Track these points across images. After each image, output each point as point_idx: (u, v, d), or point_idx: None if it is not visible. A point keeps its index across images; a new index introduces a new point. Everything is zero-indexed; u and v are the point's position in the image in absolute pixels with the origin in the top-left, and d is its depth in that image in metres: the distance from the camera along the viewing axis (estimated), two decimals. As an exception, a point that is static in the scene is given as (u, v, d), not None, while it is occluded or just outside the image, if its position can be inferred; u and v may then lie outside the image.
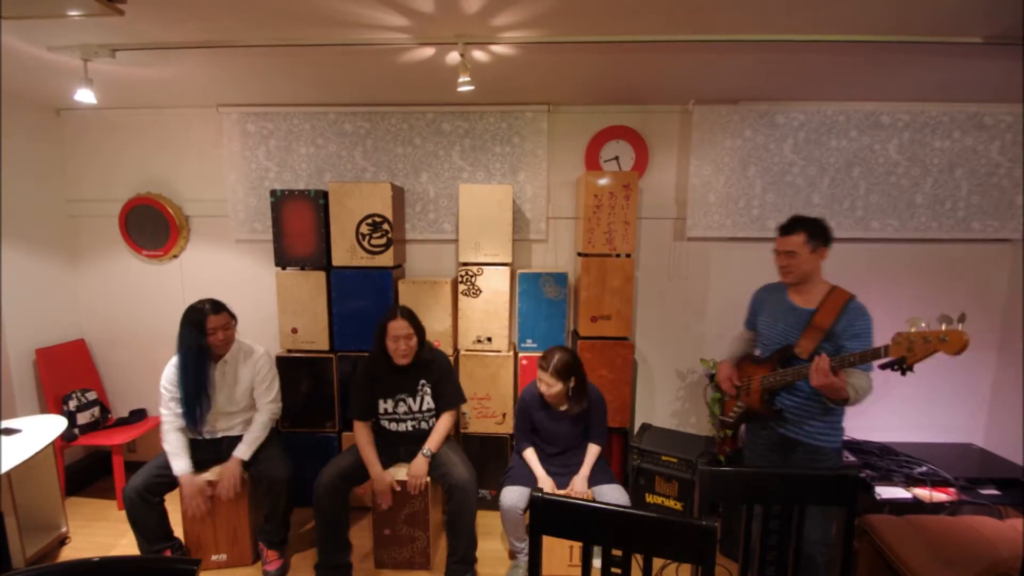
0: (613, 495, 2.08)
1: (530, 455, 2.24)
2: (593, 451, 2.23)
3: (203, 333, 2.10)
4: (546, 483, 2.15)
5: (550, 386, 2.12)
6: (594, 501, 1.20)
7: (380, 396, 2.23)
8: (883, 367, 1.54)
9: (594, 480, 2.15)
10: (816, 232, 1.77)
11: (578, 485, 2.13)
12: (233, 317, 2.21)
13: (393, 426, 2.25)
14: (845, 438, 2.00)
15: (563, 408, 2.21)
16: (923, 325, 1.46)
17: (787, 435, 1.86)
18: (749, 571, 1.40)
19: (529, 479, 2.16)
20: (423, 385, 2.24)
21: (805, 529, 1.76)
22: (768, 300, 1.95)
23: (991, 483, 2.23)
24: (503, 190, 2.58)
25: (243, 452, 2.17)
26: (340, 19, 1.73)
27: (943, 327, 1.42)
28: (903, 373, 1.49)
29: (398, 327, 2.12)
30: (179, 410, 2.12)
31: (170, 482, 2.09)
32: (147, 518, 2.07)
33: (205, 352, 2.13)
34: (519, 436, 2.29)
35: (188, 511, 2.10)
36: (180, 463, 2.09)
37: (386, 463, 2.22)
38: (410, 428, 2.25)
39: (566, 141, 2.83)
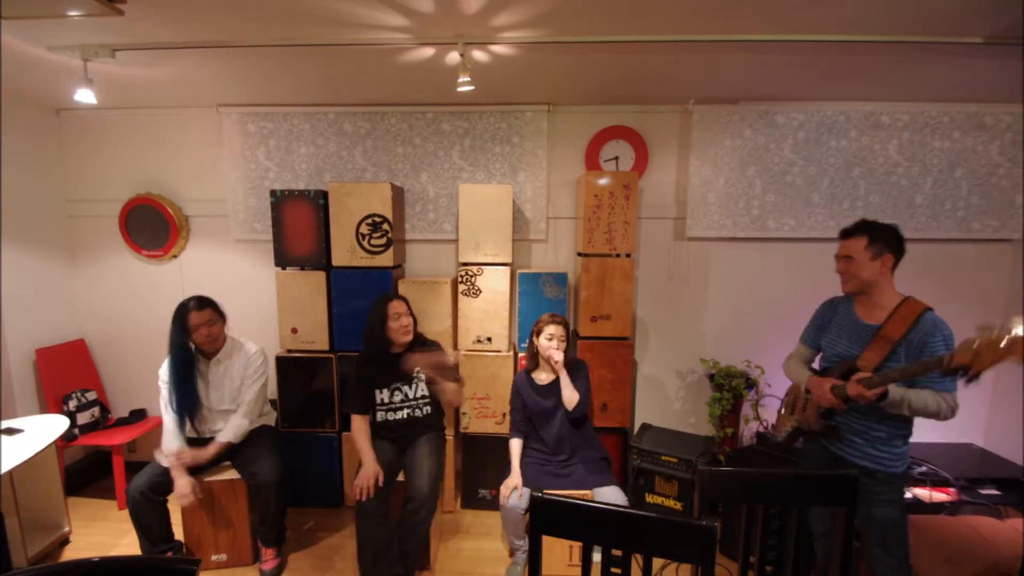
0: (611, 496, 2.08)
1: (515, 445, 2.26)
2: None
3: (186, 331, 2.11)
4: (516, 479, 2.14)
5: (562, 339, 2.23)
6: (594, 501, 1.20)
7: (377, 387, 2.24)
8: (946, 373, 1.38)
9: (593, 481, 2.16)
10: (879, 236, 1.60)
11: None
12: (220, 314, 2.21)
13: (391, 415, 2.25)
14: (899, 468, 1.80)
15: (550, 381, 2.28)
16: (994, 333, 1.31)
17: (841, 456, 1.69)
18: (749, 571, 1.40)
19: (531, 478, 2.16)
20: (418, 371, 2.25)
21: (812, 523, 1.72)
22: (834, 315, 1.79)
23: (991, 483, 2.24)
24: (503, 190, 2.58)
25: (223, 435, 2.17)
26: (340, 19, 1.73)
27: (1015, 331, 1.27)
28: (967, 383, 1.35)
29: (397, 305, 2.19)
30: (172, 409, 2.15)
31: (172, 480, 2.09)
32: (150, 518, 2.07)
33: (188, 350, 2.14)
34: (512, 422, 2.32)
35: (182, 501, 2.05)
36: (173, 443, 2.09)
37: (400, 450, 2.23)
38: (406, 416, 2.26)
39: (566, 141, 2.83)
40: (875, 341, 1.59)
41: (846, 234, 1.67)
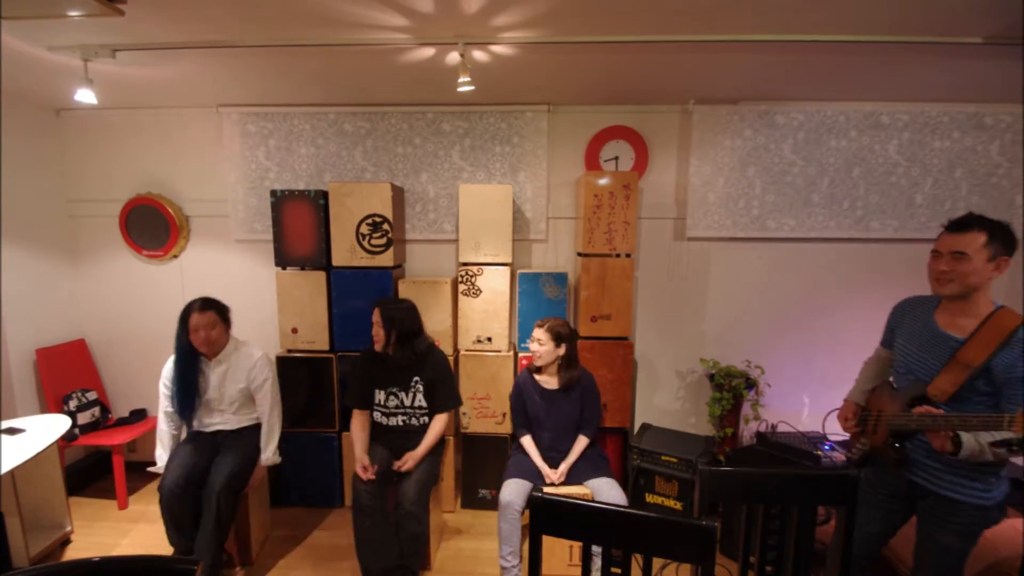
0: (605, 489, 2.07)
1: (528, 442, 2.25)
2: (581, 443, 2.23)
3: (186, 331, 2.12)
4: (545, 469, 2.16)
5: (541, 343, 2.18)
6: (594, 501, 1.20)
7: (376, 387, 2.25)
8: (996, 445, 1.20)
9: (588, 474, 2.16)
10: (1000, 235, 1.38)
11: (554, 476, 2.15)
12: (224, 318, 2.19)
13: (384, 420, 2.25)
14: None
15: (553, 387, 2.24)
16: None
17: (916, 482, 1.48)
18: (749, 571, 1.40)
19: (529, 472, 2.16)
20: (416, 382, 2.23)
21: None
22: (908, 317, 1.55)
23: (991, 483, 2.22)
24: (503, 190, 2.58)
25: (267, 459, 2.24)
26: (340, 19, 1.73)
27: None
28: (1011, 452, 1.20)
29: (374, 316, 2.19)
30: (168, 406, 2.18)
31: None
32: (183, 511, 2.05)
33: (189, 349, 2.14)
34: (515, 423, 2.31)
35: None
36: (163, 454, 2.18)
37: (396, 457, 2.19)
38: (400, 423, 2.25)
39: (566, 141, 2.83)
40: (952, 364, 1.34)
41: (958, 227, 1.42)
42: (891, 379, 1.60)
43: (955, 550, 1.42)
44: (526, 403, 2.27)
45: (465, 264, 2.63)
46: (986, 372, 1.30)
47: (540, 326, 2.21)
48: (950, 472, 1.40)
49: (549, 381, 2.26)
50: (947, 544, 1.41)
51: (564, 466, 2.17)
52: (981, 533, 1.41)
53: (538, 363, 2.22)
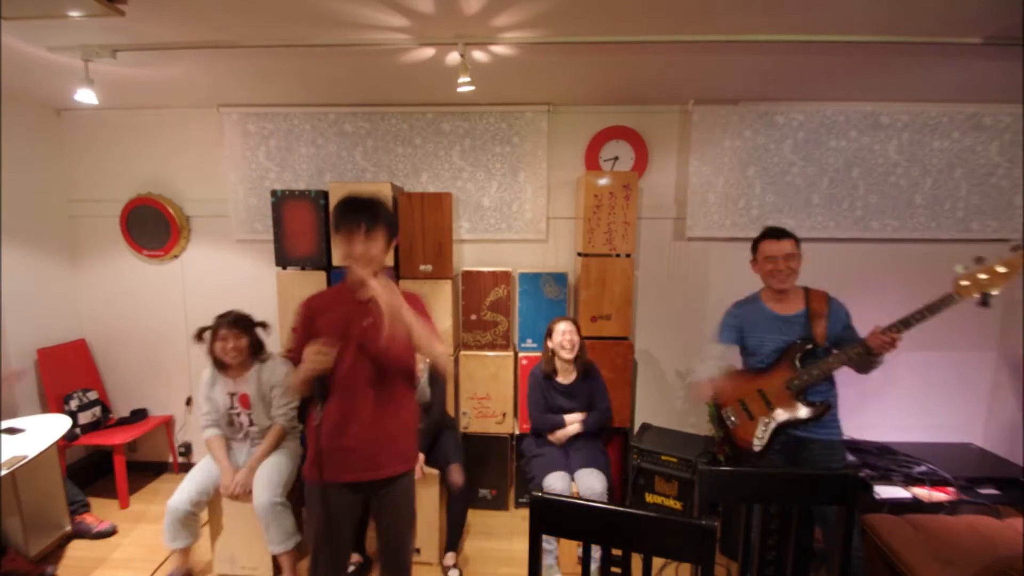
0: (588, 479, 2.11)
1: (572, 417, 2.29)
2: (592, 414, 2.32)
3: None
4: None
5: (574, 333, 2.28)
6: (594, 501, 1.20)
7: None
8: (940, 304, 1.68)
9: (580, 462, 2.20)
10: (798, 240, 1.91)
11: (570, 428, 2.26)
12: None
13: None
14: (845, 437, 1.99)
15: (571, 380, 2.32)
16: (962, 269, 1.65)
17: (800, 436, 1.87)
18: (749, 571, 1.41)
19: (563, 465, 2.20)
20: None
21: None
22: (751, 314, 1.99)
23: (990, 483, 2.24)
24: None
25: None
26: (340, 19, 1.73)
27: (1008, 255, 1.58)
28: (986, 306, 1.62)
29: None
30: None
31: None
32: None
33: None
34: (537, 416, 2.32)
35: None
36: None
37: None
38: None
39: (566, 141, 2.83)
40: (815, 321, 1.85)
41: (780, 236, 1.89)
42: (739, 367, 2.03)
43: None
44: (548, 402, 2.32)
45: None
46: (829, 318, 1.85)
47: (563, 320, 2.31)
48: (819, 423, 1.84)
49: (566, 376, 2.33)
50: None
51: (572, 426, 2.28)
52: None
53: (570, 354, 2.26)
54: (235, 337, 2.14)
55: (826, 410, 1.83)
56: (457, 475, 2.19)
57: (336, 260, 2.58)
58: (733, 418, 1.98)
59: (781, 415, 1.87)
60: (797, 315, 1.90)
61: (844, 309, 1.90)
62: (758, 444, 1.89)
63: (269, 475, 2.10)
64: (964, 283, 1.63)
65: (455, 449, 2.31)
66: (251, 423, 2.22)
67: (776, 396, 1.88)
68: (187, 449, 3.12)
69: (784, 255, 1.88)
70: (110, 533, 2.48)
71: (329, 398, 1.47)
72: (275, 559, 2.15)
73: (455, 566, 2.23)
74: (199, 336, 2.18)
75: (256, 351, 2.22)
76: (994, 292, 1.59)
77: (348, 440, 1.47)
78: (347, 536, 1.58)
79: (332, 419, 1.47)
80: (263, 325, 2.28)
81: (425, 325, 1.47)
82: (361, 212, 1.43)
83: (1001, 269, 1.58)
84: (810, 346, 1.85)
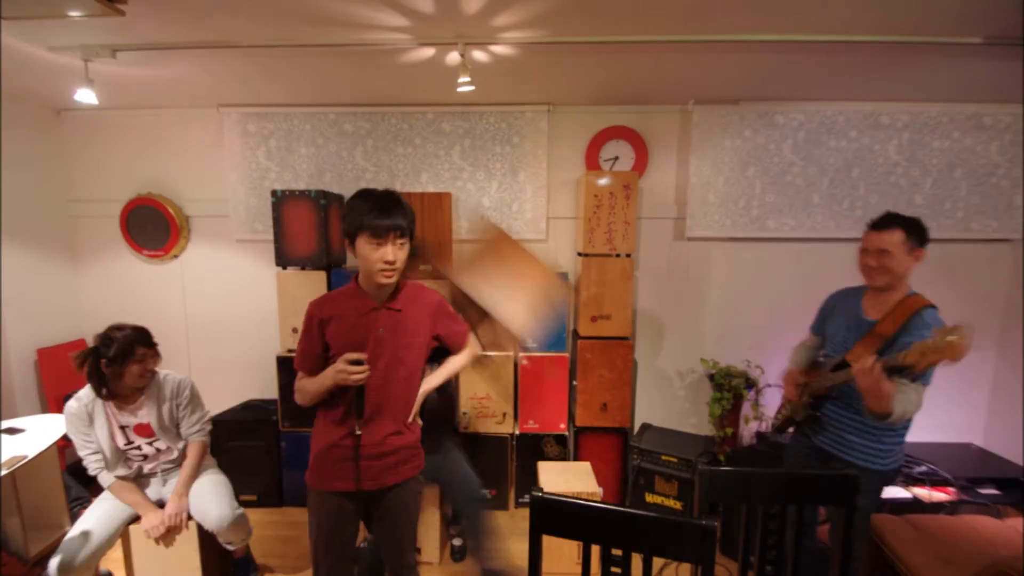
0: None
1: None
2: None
3: None
4: None
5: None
6: (593, 501, 1.20)
7: None
8: (895, 370, 1.42)
9: None
10: (915, 231, 1.56)
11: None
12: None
13: None
14: (880, 468, 1.75)
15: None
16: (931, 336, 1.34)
17: (822, 447, 1.73)
18: (749, 571, 1.41)
19: None
20: None
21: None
22: (839, 306, 1.79)
23: (991, 483, 2.24)
24: None
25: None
26: (340, 19, 1.73)
27: (947, 337, 1.30)
28: (912, 380, 1.45)
29: None
30: None
31: None
32: None
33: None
34: None
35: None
36: None
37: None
38: None
39: (566, 141, 2.83)
40: (869, 336, 1.59)
41: (879, 226, 1.60)
42: (820, 360, 1.83)
43: (862, 507, 1.55)
44: None
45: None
46: (895, 343, 1.51)
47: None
48: (854, 435, 1.63)
49: None
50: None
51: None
52: (878, 499, 1.72)
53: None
54: (152, 357, 1.78)
55: (814, 422, 1.73)
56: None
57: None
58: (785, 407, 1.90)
59: (796, 412, 1.81)
60: (869, 321, 1.64)
61: (929, 329, 1.44)
62: (775, 422, 1.91)
63: (213, 490, 1.87)
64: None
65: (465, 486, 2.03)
66: (158, 451, 1.90)
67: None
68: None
69: (876, 249, 1.59)
70: None
71: (342, 407, 1.41)
72: (216, 553, 1.95)
73: (459, 535, 2.36)
74: (83, 361, 1.69)
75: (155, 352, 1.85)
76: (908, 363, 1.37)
77: (368, 448, 1.42)
78: (353, 542, 1.54)
79: (345, 427, 1.41)
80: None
81: (453, 365, 1.57)
82: (396, 213, 1.32)
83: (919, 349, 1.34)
84: (843, 364, 1.62)
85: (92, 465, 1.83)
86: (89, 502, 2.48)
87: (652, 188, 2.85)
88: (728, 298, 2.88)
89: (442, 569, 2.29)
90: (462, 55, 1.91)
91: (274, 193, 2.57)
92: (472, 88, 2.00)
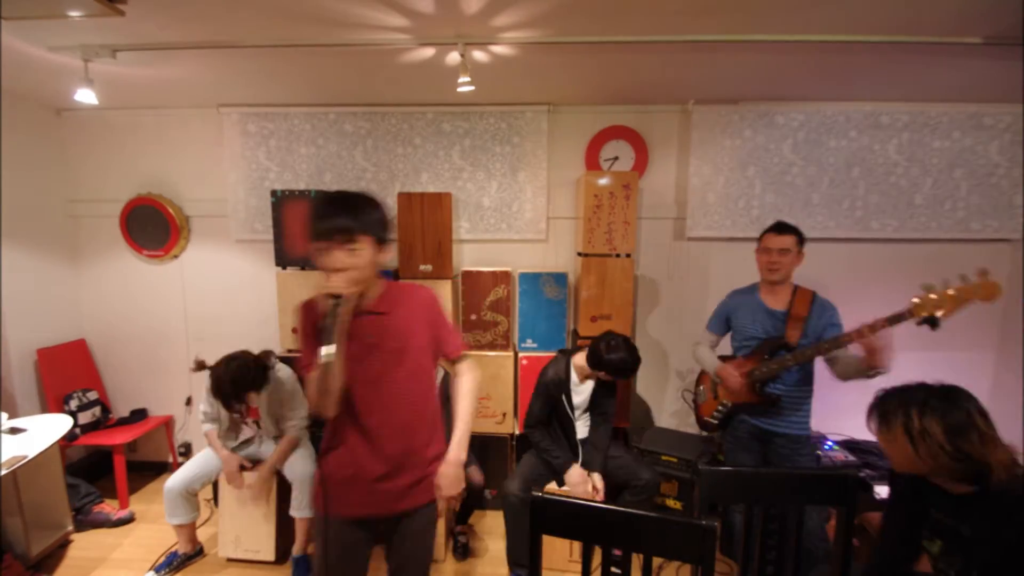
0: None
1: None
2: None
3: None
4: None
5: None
6: (593, 501, 1.20)
7: None
8: (920, 324, 1.61)
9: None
10: (801, 237, 1.96)
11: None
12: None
13: None
14: (845, 437, 2.06)
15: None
16: (934, 293, 1.56)
17: (765, 428, 1.98)
18: (749, 571, 1.41)
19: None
20: None
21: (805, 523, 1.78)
22: (741, 303, 2.10)
23: (990, 482, 2.24)
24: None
25: None
26: (340, 19, 1.73)
27: (973, 279, 1.52)
28: (933, 328, 1.59)
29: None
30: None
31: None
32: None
33: None
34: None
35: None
36: None
37: None
38: None
39: (566, 141, 2.83)
40: (791, 322, 1.92)
41: (780, 230, 1.95)
42: (718, 353, 2.16)
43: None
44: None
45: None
46: (809, 321, 1.91)
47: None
48: (795, 410, 1.95)
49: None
50: (807, 465, 2.03)
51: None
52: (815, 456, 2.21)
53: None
54: (244, 395, 2.06)
55: (772, 403, 1.94)
56: (477, 475, 2.26)
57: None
58: (703, 395, 2.22)
59: (735, 402, 2.03)
60: (780, 312, 1.98)
61: (831, 310, 1.93)
62: (712, 422, 2.13)
63: (302, 451, 2.23)
64: (916, 301, 1.60)
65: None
66: (259, 430, 2.31)
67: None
68: (187, 449, 3.12)
69: (778, 249, 1.95)
70: (129, 520, 2.59)
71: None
72: (288, 527, 2.22)
73: (463, 532, 2.40)
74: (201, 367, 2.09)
75: (265, 383, 2.11)
76: (939, 314, 1.56)
77: (368, 470, 1.29)
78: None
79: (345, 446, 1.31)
80: (268, 362, 2.16)
81: (465, 409, 1.38)
82: (341, 214, 1.19)
83: (951, 292, 1.54)
84: (782, 344, 1.92)
85: (200, 416, 2.24)
86: (101, 499, 2.64)
87: (652, 188, 2.85)
88: (728, 298, 2.88)
89: (445, 567, 2.29)
90: (462, 55, 1.91)
91: (274, 193, 2.57)
92: (472, 88, 2.00)
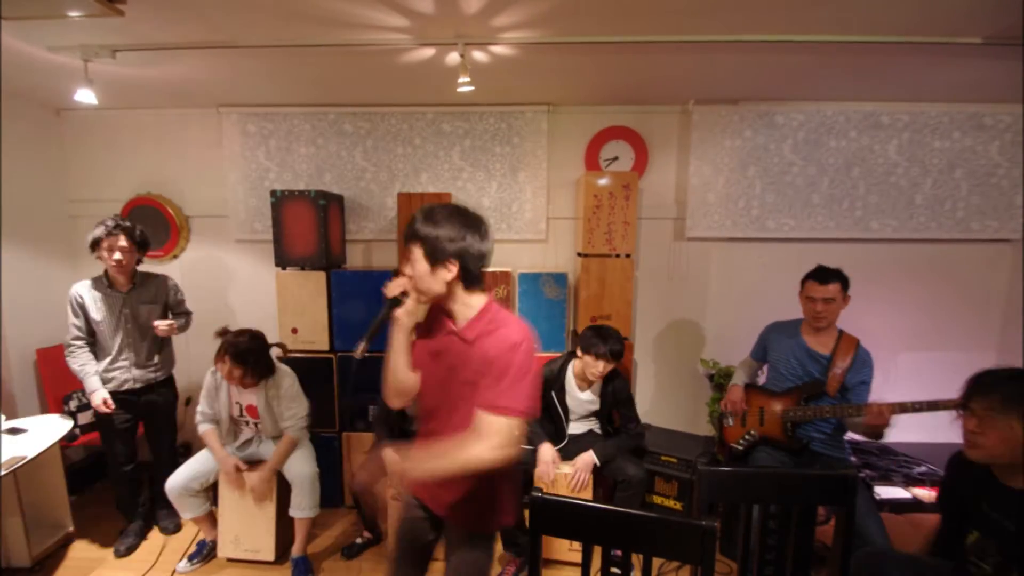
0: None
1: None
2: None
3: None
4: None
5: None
6: (593, 501, 1.20)
7: None
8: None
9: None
10: (846, 283, 2.00)
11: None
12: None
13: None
14: (844, 437, 2.11)
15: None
16: None
17: (800, 461, 2.04)
18: (749, 571, 1.41)
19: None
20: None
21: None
22: (782, 339, 2.13)
23: (990, 483, 2.25)
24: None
25: None
26: (340, 19, 1.73)
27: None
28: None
29: None
30: None
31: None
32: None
33: None
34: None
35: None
36: None
37: None
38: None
39: (566, 141, 2.83)
40: (833, 370, 1.97)
41: (824, 279, 1.99)
42: (760, 381, 2.27)
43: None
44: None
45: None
46: (845, 378, 1.97)
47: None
48: (831, 449, 2.05)
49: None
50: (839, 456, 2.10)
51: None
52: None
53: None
54: (239, 370, 2.01)
55: (800, 447, 2.02)
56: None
57: (351, 261, 2.57)
58: (730, 420, 2.21)
59: (763, 434, 2.09)
60: (823, 356, 2.01)
61: (869, 366, 1.98)
62: (738, 449, 2.16)
63: (302, 451, 2.24)
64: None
65: None
66: (258, 431, 2.28)
67: (770, 420, 2.08)
68: (187, 449, 3.12)
69: (823, 299, 1.98)
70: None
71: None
72: (288, 527, 2.22)
73: None
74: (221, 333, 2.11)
75: (265, 374, 2.11)
76: None
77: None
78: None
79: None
80: (279, 346, 2.23)
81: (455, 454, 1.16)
82: (416, 221, 1.19)
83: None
84: (822, 392, 1.98)
85: (197, 416, 2.22)
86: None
87: (652, 188, 2.84)
88: (728, 298, 2.88)
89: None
90: (462, 55, 1.91)
91: (273, 193, 2.56)
92: (472, 88, 2.00)
